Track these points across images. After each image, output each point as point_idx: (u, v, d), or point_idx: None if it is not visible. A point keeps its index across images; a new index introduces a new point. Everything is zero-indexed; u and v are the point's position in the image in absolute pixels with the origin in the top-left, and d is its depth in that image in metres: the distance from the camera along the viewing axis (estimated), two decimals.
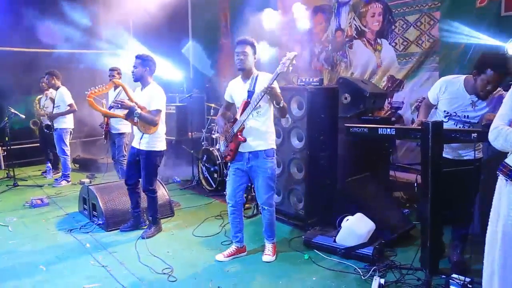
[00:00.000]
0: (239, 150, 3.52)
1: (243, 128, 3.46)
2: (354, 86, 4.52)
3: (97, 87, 4.05)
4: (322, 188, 4.32)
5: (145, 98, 4.11)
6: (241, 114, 3.47)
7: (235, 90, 3.63)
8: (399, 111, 5.17)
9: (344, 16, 5.50)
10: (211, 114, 6.42)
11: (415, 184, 3.82)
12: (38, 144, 7.59)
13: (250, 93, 3.42)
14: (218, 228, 4.49)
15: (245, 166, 3.57)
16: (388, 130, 3.13)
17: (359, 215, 3.80)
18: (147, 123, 4.04)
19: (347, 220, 3.80)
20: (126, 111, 4.01)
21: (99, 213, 4.57)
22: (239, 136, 3.45)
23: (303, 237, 4.04)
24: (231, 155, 3.56)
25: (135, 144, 4.23)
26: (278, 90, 3.31)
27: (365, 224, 3.73)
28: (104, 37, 8.86)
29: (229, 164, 3.72)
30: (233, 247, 3.81)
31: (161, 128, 4.21)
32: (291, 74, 6.35)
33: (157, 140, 4.18)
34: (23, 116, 6.60)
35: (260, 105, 3.40)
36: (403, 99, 5.11)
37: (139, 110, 3.98)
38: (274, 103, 3.32)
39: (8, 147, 6.80)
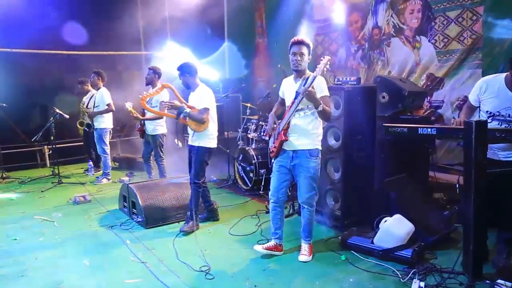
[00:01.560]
0: (284, 147, 3.58)
1: (288, 127, 3.51)
2: (392, 84, 4.42)
3: (150, 91, 4.33)
4: (359, 189, 4.26)
5: (195, 99, 4.41)
6: (287, 113, 3.53)
7: (287, 89, 3.70)
8: (439, 110, 5.01)
9: (382, 13, 5.38)
10: (247, 113, 6.45)
11: (457, 185, 3.69)
12: (80, 143, 7.89)
13: (297, 94, 3.44)
14: (254, 227, 4.51)
15: (288, 164, 3.60)
16: (429, 129, 3.06)
17: (397, 216, 3.71)
18: (195, 121, 4.27)
19: (385, 221, 3.73)
20: (175, 111, 4.29)
21: (138, 211, 4.68)
22: (282, 135, 3.50)
23: (339, 237, 4.01)
24: (275, 151, 3.63)
25: (190, 141, 4.49)
26: (318, 95, 3.31)
27: (404, 225, 3.64)
28: (144, 39, 9.12)
29: (273, 160, 3.76)
30: (272, 242, 3.82)
31: (212, 126, 4.41)
32: (327, 73, 6.32)
33: (207, 138, 4.38)
34: (67, 116, 6.85)
35: (305, 107, 3.45)
36: (444, 97, 4.95)
37: (188, 110, 4.24)
38: (314, 106, 3.35)
39: (53, 146, 7.09)
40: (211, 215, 4.78)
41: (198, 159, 4.38)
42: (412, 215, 3.73)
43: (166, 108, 4.40)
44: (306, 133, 3.52)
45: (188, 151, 4.59)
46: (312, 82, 3.27)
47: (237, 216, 4.89)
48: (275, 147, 3.62)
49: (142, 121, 5.67)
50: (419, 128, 3.11)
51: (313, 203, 3.64)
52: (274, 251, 3.79)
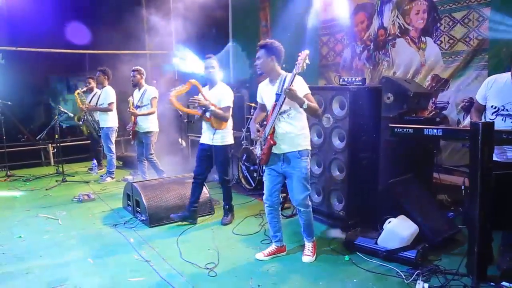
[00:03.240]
0: (273, 151, 3.51)
1: (274, 131, 3.45)
2: (398, 85, 4.42)
3: (177, 88, 4.42)
4: (363, 189, 4.25)
5: (215, 97, 4.39)
6: (270, 117, 3.47)
7: (264, 93, 3.66)
8: (444, 112, 5.00)
9: (387, 14, 5.37)
10: (251, 113, 6.45)
11: (462, 187, 3.68)
12: (84, 142, 7.91)
13: (278, 96, 3.38)
14: (257, 227, 4.51)
15: (279, 167, 3.56)
16: (435, 130, 3.04)
17: (401, 217, 3.71)
18: (219, 119, 4.34)
19: (389, 222, 3.72)
20: (201, 109, 4.33)
21: (142, 210, 4.70)
22: (270, 140, 3.45)
23: (343, 238, 4.00)
24: (264, 158, 3.55)
25: (206, 140, 4.52)
26: (299, 93, 3.27)
27: (408, 226, 3.63)
28: (148, 39, 9.15)
29: (264, 166, 3.72)
30: (273, 246, 3.81)
31: (230, 123, 4.54)
32: (332, 74, 6.32)
33: (228, 135, 4.52)
34: (72, 115, 6.89)
35: (288, 108, 3.39)
36: (449, 99, 4.94)
37: (212, 108, 4.28)
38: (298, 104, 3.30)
39: (58, 144, 7.13)
40: (190, 216, 4.64)
41: (224, 156, 4.49)
42: (416, 216, 3.73)
43: (192, 105, 4.42)
44: (293, 137, 3.45)
45: (201, 149, 4.58)
46: (292, 80, 3.22)
47: (241, 216, 4.89)
48: (264, 154, 3.54)
49: (135, 121, 5.70)
50: (425, 129, 3.10)
51: (308, 203, 3.59)
52: (277, 254, 3.79)
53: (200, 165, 4.60)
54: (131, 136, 5.83)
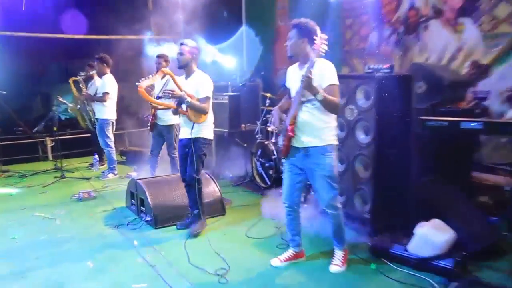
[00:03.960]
0: (294, 145, 3.44)
1: (295, 121, 3.37)
2: (430, 73, 4.32)
3: (146, 77, 4.25)
4: (391, 189, 4.15)
5: (192, 86, 4.30)
6: (292, 106, 3.41)
7: (291, 78, 3.57)
8: (485, 102, 4.84)
9: None
10: (267, 104, 6.39)
11: (509, 188, 3.56)
12: (85, 135, 7.95)
13: (301, 83, 3.30)
14: (273, 230, 4.47)
15: (300, 163, 3.49)
16: (473, 124, 2.95)
17: (436, 221, 3.62)
18: (197, 111, 4.22)
19: (421, 226, 3.63)
20: (176, 101, 4.23)
21: (147, 209, 4.69)
22: (289, 132, 3.37)
23: (369, 243, 3.92)
24: (284, 151, 3.50)
25: (185, 135, 4.39)
26: (323, 82, 3.24)
27: (443, 232, 3.54)
28: (154, 22, 9.15)
29: (283, 160, 3.66)
30: (290, 251, 3.76)
31: (210, 116, 4.40)
32: (357, 60, 6.20)
33: (207, 128, 4.38)
34: (71, 105, 6.91)
35: (312, 97, 3.28)
36: (490, 88, 4.78)
37: (189, 99, 4.14)
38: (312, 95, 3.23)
39: (56, 138, 7.18)
40: (196, 220, 4.52)
41: (198, 151, 4.31)
42: (453, 221, 3.62)
43: (166, 97, 4.29)
44: (316, 129, 3.37)
45: (181, 146, 4.50)
46: (310, 67, 3.15)
47: (255, 217, 4.86)
48: (284, 145, 3.47)
49: (154, 113, 5.66)
50: (462, 122, 3.01)
51: (337, 205, 3.50)
52: (295, 259, 3.74)
53: (183, 165, 4.50)
54: (149, 128, 5.80)
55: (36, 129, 7.01)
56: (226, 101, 6.75)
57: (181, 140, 4.49)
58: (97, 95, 6.75)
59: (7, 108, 7.85)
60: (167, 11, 8.46)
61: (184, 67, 4.34)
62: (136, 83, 4.23)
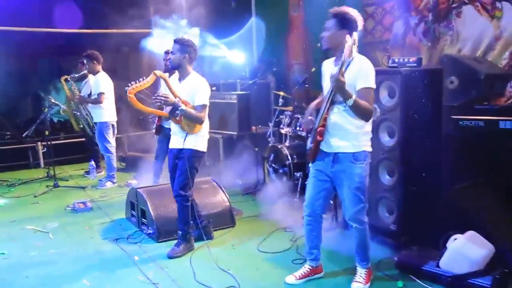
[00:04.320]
0: (322, 149, 3.43)
1: (324, 124, 3.35)
2: (464, 66, 4.25)
3: (138, 82, 4.13)
4: (420, 197, 4.12)
5: (186, 91, 4.19)
6: (322, 106, 3.39)
7: (326, 74, 3.52)
8: None
9: None
10: (280, 104, 6.39)
11: None
12: (80, 139, 8.01)
13: None
14: (288, 243, 4.46)
15: (328, 170, 3.46)
16: None
17: (471, 234, 3.58)
18: (192, 121, 4.12)
19: (455, 239, 3.60)
20: (169, 108, 4.11)
21: (149, 221, 4.71)
22: (317, 135, 3.36)
23: (395, 258, 3.89)
24: (310, 154, 3.50)
25: (175, 144, 4.31)
26: (354, 82, 3.21)
27: (480, 246, 3.49)
28: (153, 14, 9.21)
29: (310, 164, 3.65)
30: (306, 267, 3.75)
31: (205, 126, 4.31)
32: (380, 53, 6.16)
33: (201, 139, 4.29)
34: (64, 107, 6.97)
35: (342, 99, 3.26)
36: None
37: (183, 106, 4.05)
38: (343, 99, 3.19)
39: (48, 143, 7.24)
40: (204, 233, 4.52)
41: (188, 165, 4.18)
42: (491, 233, 3.58)
43: (158, 104, 4.15)
44: (349, 133, 3.33)
45: (171, 157, 4.40)
46: (343, 67, 3.09)
47: (268, 229, 4.86)
48: (311, 149, 3.48)
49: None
50: (500, 121, 2.97)
51: (363, 219, 3.47)
52: (312, 275, 3.73)
53: (172, 178, 4.41)
54: (154, 131, 5.80)
55: (26, 133, 7.06)
56: (235, 101, 6.75)
57: (171, 150, 4.38)
58: (92, 96, 6.78)
59: None
60: (169, 2, 8.53)
61: (177, 68, 4.26)
62: (126, 88, 4.15)
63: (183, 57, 4.17)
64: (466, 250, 3.48)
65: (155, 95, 4.15)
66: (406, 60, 4.28)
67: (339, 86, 3.08)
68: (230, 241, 4.63)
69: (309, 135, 3.70)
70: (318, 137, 3.35)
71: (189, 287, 3.66)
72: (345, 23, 3.30)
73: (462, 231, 3.62)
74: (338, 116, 3.34)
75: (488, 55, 4.92)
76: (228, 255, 4.30)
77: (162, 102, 4.05)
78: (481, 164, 3.84)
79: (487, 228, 3.61)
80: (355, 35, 3.13)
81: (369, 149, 3.43)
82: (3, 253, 4.48)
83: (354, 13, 3.32)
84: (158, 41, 7.82)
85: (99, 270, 4.06)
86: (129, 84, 4.15)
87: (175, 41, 4.23)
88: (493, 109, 4.04)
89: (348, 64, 3.18)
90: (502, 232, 3.62)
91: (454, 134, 3.87)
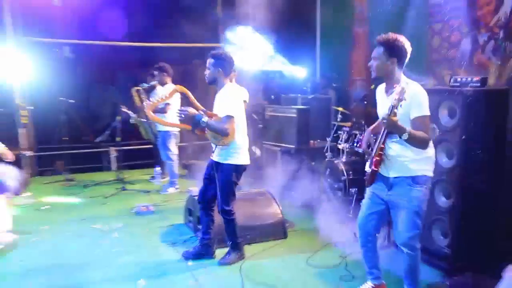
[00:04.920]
0: (382, 173, 3.30)
1: (380, 154, 3.20)
2: None
3: (156, 98, 4.19)
4: (477, 221, 3.89)
5: (216, 103, 4.20)
6: (380, 134, 3.25)
7: (379, 102, 3.44)
8: None
9: None
10: (338, 119, 6.28)
11: None
12: (147, 146, 8.24)
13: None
14: (338, 259, 4.36)
15: (384, 193, 3.33)
16: None
17: None
18: (216, 132, 4.03)
19: None
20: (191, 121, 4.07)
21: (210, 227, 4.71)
22: (374, 164, 3.23)
23: (447, 283, 3.71)
24: (368, 179, 3.37)
25: (213, 156, 4.27)
26: (412, 113, 3.08)
27: None
28: (222, 30, 9.40)
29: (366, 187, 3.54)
30: (369, 284, 3.61)
31: (239, 139, 4.17)
32: (446, 71, 5.91)
33: (235, 153, 4.15)
34: (134, 115, 7.21)
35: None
36: None
37: (205, 118, 3.99)
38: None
39: (119, 148, 7.54)
40: (205, 251, 4.44)
41: (225, 179, 4.14)
42: None
43: (180, 117, 4.11)
44: (408, 160, 3.19)
45: (208, 166, 4.37)
46: (394, 108, 2.92)
47: (319, 243, 4.77)
48: (369, 175, 3.35)
49: None
50: None
51: (416, 246, 3.29)
52: None
53: (202, 187, 4.37)
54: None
55: (99, 138, 7.38)
56: (295, 115, 6.71)
57: (210, 160, 4.34)
58: (159, 106, 6.96)
59: (75, 117, 8.37)
60: (236, 19, 8.67)
61: (213, 83, 4.22)
62: (145, 103, 4.26)
63: (217, 71, 4.14)
64: None
65: (178, 109, 4.17)
66: (469, 79, 4.07)
67: (390, 126, 2.98)
68: (280, 253, 4.57)
69: (368, 157, 3.56)
70: (373, 167, 3.24)
71: None
72: (394, 51, 3.18)
73: None
74: (396, 145, 3.21)
75: None
76: (278, 267, 4.25)
77: (183, 116, 4.04)
78: None
79: None
80: (399, 88, 2.93)
81: (430, 174, 3.26)
82: (72, 248, 4.68)
83: (402, 39, 3.19)
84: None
85: (155, 271, 4.14)
86: (148, 101, 4.31)
87: (210, 56, 4.20)
88: None
89: (397, 102, 2.94)
90: None
91: None
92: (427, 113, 3.13)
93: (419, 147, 3.13)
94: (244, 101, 5.32)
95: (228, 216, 4.22)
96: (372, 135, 3.52)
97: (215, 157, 4.22)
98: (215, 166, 4.22)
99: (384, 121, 2.97)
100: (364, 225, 3.50)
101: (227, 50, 4.30)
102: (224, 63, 4.15)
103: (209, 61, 4.17)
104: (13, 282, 3.99)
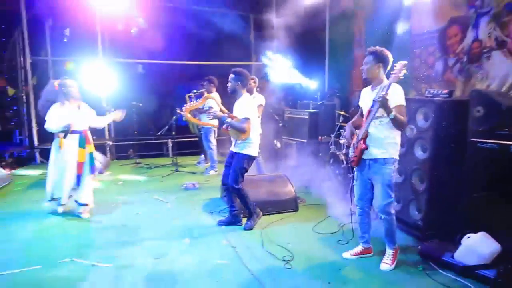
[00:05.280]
0: (363, 157, 3.35)
1: (366, 135, 3.29)
2: (489, 98, 3.90)
3: (190, 103, 4.50)
4: (443, 202, 3.85)
5: (237, 108, 4.27)
6: (365, 122, 3.31)
7: (364, 98, 3.49)
8: None
9: (483, 26, 4.74)
10: (340, 120, 6.26)
11: None
12: (195, 139, 8.39)
13: (374, 102, 3.21)
14: (337, 227, 4.36)
15: (366, 173, 3.39)
16: None
17: (482, 234, 3.28)
18: (236, 130, 4.15)
19: (469, 237, 3.32)
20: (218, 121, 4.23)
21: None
22: (362, 144, 3.29)
23: (419, 247, 3.68)
24: (355, 160, 3.42)
25: (232, 147, 4.36)
26: (391, 103, 3.10)
27: (488, 244, 3.20)
28: (256, 51, 9.48)
29: (354, 169, 3.57)
30: (359, 247, 3.66)
31: (253, 135, 4.25)
32: (424, 86, 5.82)
33: (251, 145, 4.24)
34: (187, 115, 7.33)
35: (381, 114, 3.20)
36: None
37: (229, 119, 4.15)
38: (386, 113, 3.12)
39: (174, 140, 7.70)
40: (234, 220, 4.46)
41: (238, 165, 4.20)
42: (500, 236, 3.25)
43: (209, 118, 4.31)
44: (382, 142, 3.26)
45: (228, 156, 4.40)
46: (387, 89, 3.05)
47: (323, 215, 4.78)
48: (355, 156, 3.40)
49: None
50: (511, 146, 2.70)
51: (390, 211, 3.33)
52: (364, 255, 3.63)
53: (225, 172, 4.39)
54: None
55: (160, 132, 7.57)
56: (307, 117, 6.75)
57: (230, 150, 4.41)
58: (204, 108, 7.08)
59: (143, 116, 8.59)
60: (264, 42, 8.76)
61: (233, 93, 4.29)
62: (182, 108, 4.51)
63: (236, 84, 4.23)
64: (477, 246, 3.22)
65: (208, 111, 4.34)
66: (439, 91, 4.04)
67: (384, 102, 3.04)
68: (292, 222, 4.60)
69: (349, 147, 3.58)
70: (363, 145, 3.27)
71: (258, 253, 3.72)
72: (380, 58, 3.26)
73: (475, 231, 3.34)
74: (376, 129, 3.28)
75: (511, 91, 4.48)
76: (289, 232, 4.29)
77: (212, 117, 4.26)
78: (495, 178, 3.50)
79: (496, 230, 3.29)
80: (401, 64, 3.06)
81: (396, 157, 3.32)
82: (138, 213, 4.86)
83: (385, 50, 3.28)
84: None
85: (197, 232, 4.23)
86: (183, 105, 4.49)
87: (232, 72, 4.27)
88: (510, 135, 3.66)
89: (388, 88, 3.09)
90: (508, 234, 3.27)
91: (474, 153, 3.57)
92: (404, 103, 3.21)
93: (400, 127, 3.22)
94: (260, 105, 5.43)
95: (237, 192, 4.28)
96: (353, 127, 3.55)
97: (233, 148, 4.31)
98: (234, 155, 4.30)
99: (380, 99, 3.03)
100: (360, 200, 3.55)
101: (242, 68, 4.33)
102: (242, 78, 4.24)
103: (231, 76, 4.26)
104: (93, 234, 4.18)
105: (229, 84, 4.27)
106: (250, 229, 4.32)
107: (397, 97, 3.18)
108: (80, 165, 4.57)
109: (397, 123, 3.15)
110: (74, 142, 4.54)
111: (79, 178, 4.60)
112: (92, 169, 4.72)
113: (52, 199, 4.66)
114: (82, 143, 4.56)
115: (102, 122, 4.99)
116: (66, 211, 4.71)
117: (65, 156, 4.53)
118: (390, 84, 3.08)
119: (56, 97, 4.51)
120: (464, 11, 5.04)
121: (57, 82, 4.57)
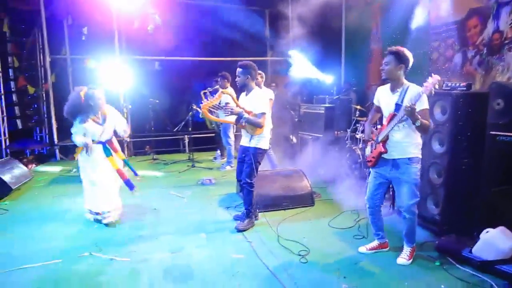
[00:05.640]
0: (384, 156, 3.33)
1: (387, 139, 3.27)
2: (509, 91, 3.82)
3: (208, 99, 4.36)
4: (461, 196, 3.81)
5: (250, 103, 4.16)
6: (387, 125, 3.28)
7: (383, 99, 3.43)
8: None
9: (504, 17, 4.65)
10: (357, 115, 6.23)
11: None
12: (211, 135, 8.45)
13: (398, 106, 3.18)
14: (352, 222, 4.36)
15: (387, 172, 3.36)
16: None
17: (501, 229, 3.25)
18: (253, 125, 4.08)
19: (487, 232, 3.29)
20: (235, 117, 4.16)
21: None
22: (381, 147, 3.28)
23: (436, 242, 3.66)
24: (373, 161, 3.41)
25: (244, 143, 4.28)
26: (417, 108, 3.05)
27: (508, 239, 3.16)
28: (272, 46, 9.50)
29: (370, 169, 3.56)
30: (375, 242, 3.67)
31: (266, 129, 4.21)
32: (442, 79, 5.74)
33: (263, 140, 4.19)
34: (202, 111, 7.40)
35: (405, 118, 3.15)
36: None
37: (246, 115, 4.05)
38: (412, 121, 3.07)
39: (191, 136, 7.79)
40: (244, 218, 4.35)
41: (253, 159, 4.12)
42: None
43: (226, 113, 4.20)
44: (405, 145, 3.23)
45: (240, 151, 4.34)
46: (417, 100, 3.01)
47: (338, 210, 4.78)
48: (373, 157, 3.38)
49: None
50: None
51: (415, 210, 3.30)
52: (379, 249, 3.64)
53: (239, 167, 4.33)
54: None
55: (176, 128, 7.66)
56: (323, 111, 6.69)
57: (240, 146, 4.33)
58: (221, 105, 7.12)
59: (160, 113, 8.71)
60: (280, 38, 8.76)
61: (243, 87, 4.21)
62: (200, 105, 4.38)
63: (246, 78, 4.13)
64: (495, 241, 3.19)
65: (225, 107, 4.26)
66: (457, 84, 3.97)
67: (411, 113, 2.99)
68: (308, 217, 4.62)
69: (366, 144, 3.58)
70: (382, 149, 3.27)
71: (274, 247, 3.75)
72: (402, 59, 3.20)
73: (494, 226, 3.30)
74: (399, 133, 3.25)
75: None
76: (305, 226, 4.31)
77: (230, 113, 4.16)
78: None
79: None
80: (435, 78, 2.97)
81: (420, 156, 3.29)
82: (155, 208, 4.94)
83: (407, 51, 3.22)
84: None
85: (213, 227, 4.28)
86: (201, 102, 4.38)
87: (239, 66, 4.16)
88: None
89: (418, 99, 3.04)
90: None
91: (493, 146, 3.52)
92: (428, 106, 3.17)
93: (424, 132, 3.20)
94: (270, 99, 5.41)
95: (249, 187, 4.21)
96: (372, 126, 3.55)
97: (246, 143, 4.23)
98: (246, 150, 4.23)
99: (408, 109, 2.99)
100: (372, 199, 3.53)
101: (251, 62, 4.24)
102: (250, 70, 4.14)
103: (238, 70, 4.15)
104: (111, 229, 4.28)
105: (238, 79, 4.19)
106: (243, 230, 4.17)
107: (421, 100, 3.12)
108: (119, 172, 4.39)
109: (422, 129, 3.12)
110: (99, 152, 4.28)
111: (128, 183, 4.46)
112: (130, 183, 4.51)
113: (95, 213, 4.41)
114: (107, 153, 4.31)
115: (124, 129, 4.61)
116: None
117: (97, 170, 4.27)
118: (420, 96, 3.02)
119: (81, 110, 4.11)
120: (484, 1, 4.93)
121: (83, 92, 4.11)
